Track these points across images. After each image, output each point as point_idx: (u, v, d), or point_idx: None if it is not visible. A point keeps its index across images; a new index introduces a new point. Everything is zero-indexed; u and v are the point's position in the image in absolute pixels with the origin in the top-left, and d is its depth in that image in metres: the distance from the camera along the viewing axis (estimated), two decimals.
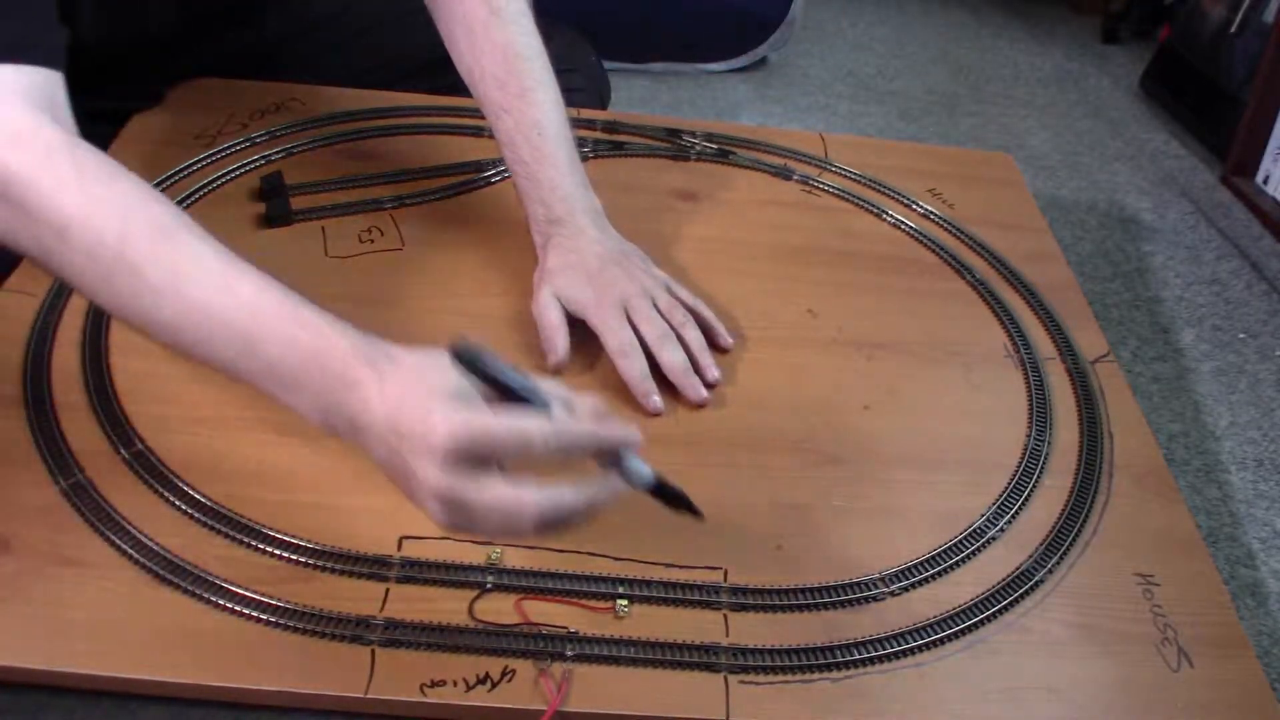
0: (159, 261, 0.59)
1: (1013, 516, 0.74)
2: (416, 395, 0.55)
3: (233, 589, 0.63)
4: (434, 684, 0.60)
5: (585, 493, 0.57)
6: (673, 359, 0.79)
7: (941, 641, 0.65)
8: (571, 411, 0.58)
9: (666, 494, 0.62)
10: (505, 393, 0.56)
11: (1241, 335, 1.14)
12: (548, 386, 0.59)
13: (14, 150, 0.60)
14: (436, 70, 1.11)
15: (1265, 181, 1.42)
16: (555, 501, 0.55)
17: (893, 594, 0.68)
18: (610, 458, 0.59)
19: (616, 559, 0.66)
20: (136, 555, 0.64)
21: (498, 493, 0.54)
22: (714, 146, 1.09)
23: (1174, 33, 1.65)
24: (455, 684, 0.60)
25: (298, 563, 0.65)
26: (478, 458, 0.54)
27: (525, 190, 0.86)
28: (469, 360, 0.55)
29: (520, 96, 0.85)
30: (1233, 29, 1.51)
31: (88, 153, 0.62)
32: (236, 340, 0.58)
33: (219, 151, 0.98)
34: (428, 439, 0.53)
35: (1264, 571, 0.84)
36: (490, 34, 0.85)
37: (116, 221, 0.59)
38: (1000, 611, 0.67)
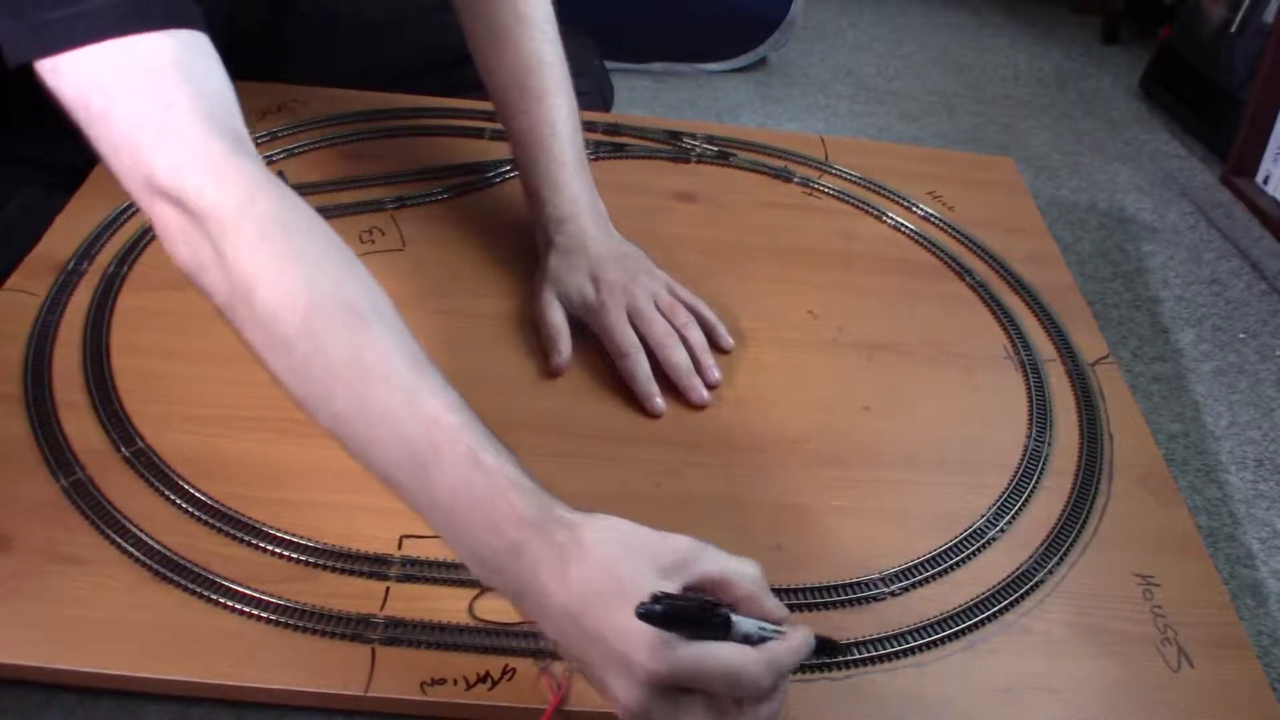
0: (346, 346, 0.54)
1: (1013, 517, 0.74)
2: (610, 600, 0.49)
3: (233, 587, 0.63)
4: (434, 682, 0.60)
5: (777, 703, 0.52)
6: (675, 359, 0.79)
7: (942, 641, 0.65)
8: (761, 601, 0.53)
9: (823, 648, 0.57)
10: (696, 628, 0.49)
11: (1241, 335, 1.14)
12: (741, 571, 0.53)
13: (214, 185, 0.57)
14: (437, 72, 1.12)
15: (1265, 181, 1.42)
16: (764, 716, 0.51)
17: (893, 594, 0.68)
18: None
19: None
20: (137, 553, 0.64)
21: (702, 717, 0.50)
22: (714, 148, 1.09)
23: (1174, 33, 1.65)
24: (456, 682, 0.60)
25: (298, 561, 0.65)
26: (681, 690, 0.49)
27: (532, 190, 0.86)
28: (664, 619, 0.47)
29: (538, 100, 0.86)
30: (1233, 29, 1.51)
31: (292, 201, 0.59)
32: (405, 460, 0.54)
33: None
34: (629, 664, 0.49)
35: (1264, 571, 0.84)
36: (515, 39, 0.86)
37: (312, 289, 0.55)
38: (1000, 612, 0.68)
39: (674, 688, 0.49)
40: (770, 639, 0.52)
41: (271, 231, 0.57)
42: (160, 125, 0.57)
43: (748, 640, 0.51)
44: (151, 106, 0.58)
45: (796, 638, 0.53)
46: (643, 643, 0.48)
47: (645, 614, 0.46)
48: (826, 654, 0.59)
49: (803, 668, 0.62)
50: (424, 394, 0.54)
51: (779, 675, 0.51)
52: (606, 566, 0.50)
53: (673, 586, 0.50)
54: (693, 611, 0.48)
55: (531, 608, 0.52)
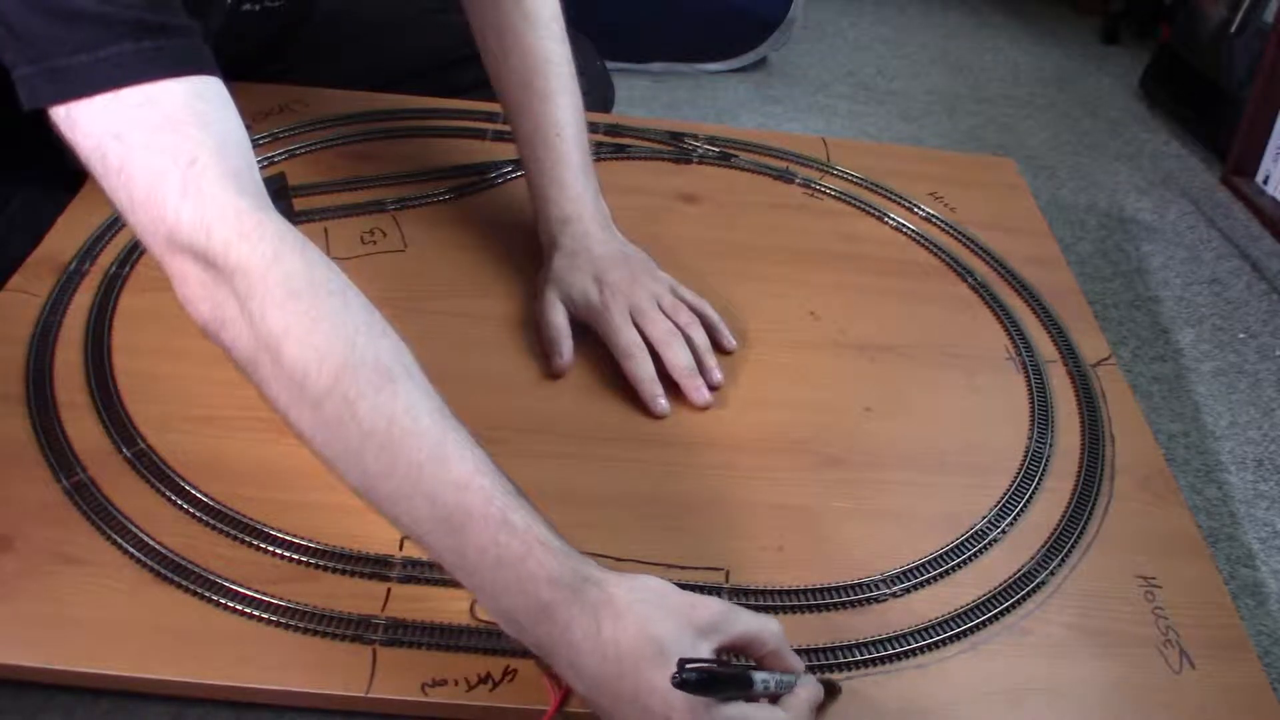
0: (375, 405, 0.55)
1: (1014, 518, 0.74)
2: (648, 662, 0.51)
3: (234, 588, 0.63)
4: (435, 683, 0.60)
5: None
6: (678, 359, 0.79)
7: (943, 643, 0.65)
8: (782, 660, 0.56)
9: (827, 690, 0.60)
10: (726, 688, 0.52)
11: (1241, 335, 1.14)
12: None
13: (242, 242, 0.57)
14: (439, 73, 1.12)
15: (1265, 181, 1.42)
16: None
17: (894, 595, 0.68)
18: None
19: (619, 559, 0.66)
20: (138, 554, 0.64)
21: None
22: (716, 149, 1.10)
23: (1174, 33, 1.65)
24: (457, 683, 0.60)
25: (299, 562, 0.65)
26: None
27: (537, 189, 0.86)
28: (699, 687, 0.50)
29: (543, 99, 0.86)
30: (1233, 29, 1.51)
31: (318, 257, 0.59)
32: (437, 520, 0.54)
33: None
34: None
35: (1264, 571, 0.84)
36: (521, 38, 0.86)
37: (342, 347, 0.55)
38: (1002, 613, 0.68)
39: None
40: (783, 690, 0.55)
41: (299, 289, 0.57)
42: (184, 181, 0.57)
43: (765, 688, 0.54)
44: (173, 161, 0.57)
45: (810, 688, 0.56)
46: (683, 706, 0.50)
47: (683, 683, 0.48)
48: (829, 693, 0.61)
49: (806, 668, 0.62)
50: (453, 455, 0.55)
51: None
52: (642, 627, 0.51)
53: (707, 648, 0.52)
54: (723, 676, 0.51)
55: (562, 665, 0.53)
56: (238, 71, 1.07)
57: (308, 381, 0.55)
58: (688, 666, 0.49)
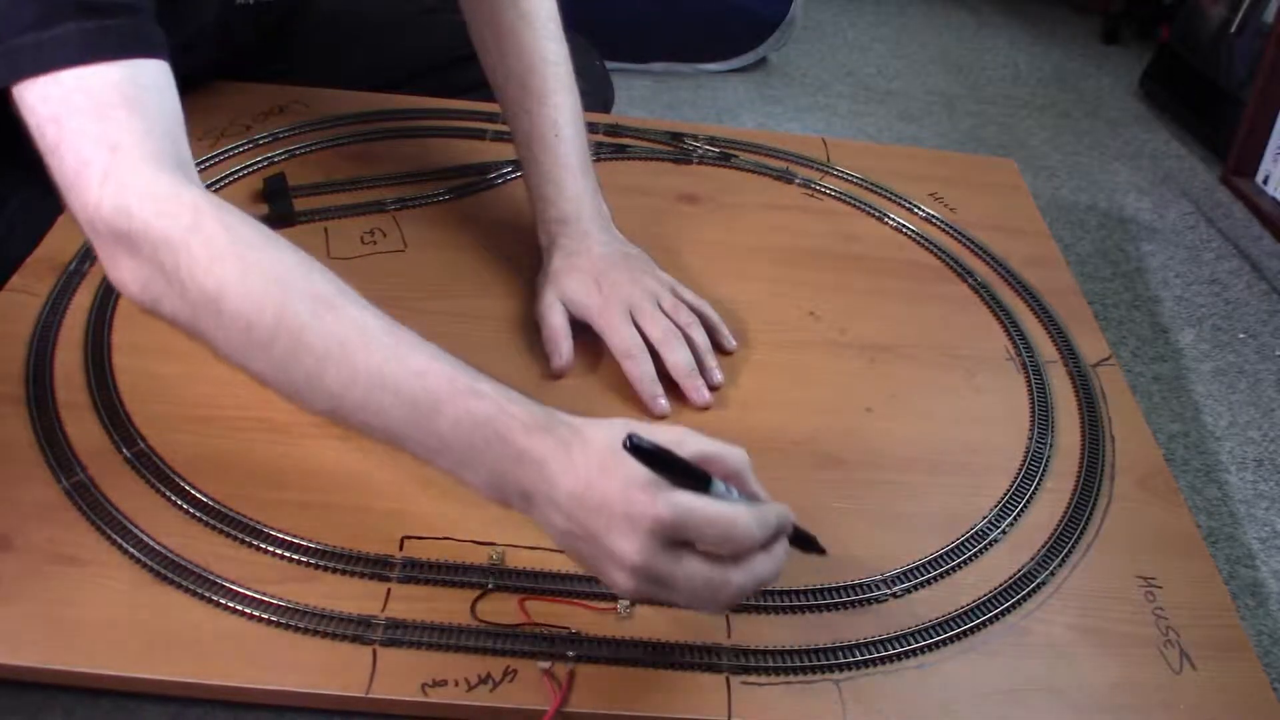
0: (323, 331, 0.58)
1: (1015, 519, 0.74)
2: (614, 472, 0.54)
3: (234, 588, 0.63)
4: (436, 684, 0.60)
5: (772, 561, 0.57)
6: (678, 359, 0.79)
7: (944, 643, 0.65)
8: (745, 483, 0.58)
9: (802, 539, 0.62)
10: (682, 477, 0.55)
11: (1241, 335, 1.14)
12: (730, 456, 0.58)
13: (160, 217, 0.59)
14: (439, 73, 1.12)
15: (1265, 181, 1.42)
16: (753, 575, 0.55)
17: (895, 595, 0.68)
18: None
19: None
20: (138, 554, 0.64)
21: (699, 571, 0.54)
22: (716, 150, 1.10)
23: (1174, 33, 1.65)
24: (457, 684, 0.60)
25: (299, 562, 0.65)
26: (679, 541, 0.53)
27: (535, 189, 0.86)
28: (648, 455, 0.53)
29: (541, 99, 0.86)
30: (1233, 29, 1.51)
31: (237, 216, 0.61)
32: (406, 410, 0.57)
33: (222, 153, 0.98)
34: (632, 518, 0.53)
35: (1264, 571, 0.84)
36: (517, 37, 0.86)
37: (277, 289, 0.58)
38: (1002, 613, 0.68)
39: (674, 541, 0.53)
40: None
41: (221, 249, 0.59)
42: (105, 169, 0.60)
43: (724, 493, 0.56)
44: (97, 147, 0.60)
45: (781, 507, 0.58)
46: (643, 492, 0.53)
47: (633, 447, 0.51)
48: (804, 545, 0.62)
49: (805, 669, 0.63)
50: (407, 351, 0.58)
51: (768, 531, 0.55)
52: (609, 445, 0.54)
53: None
54: (675, 457, 0.53)
55: (541, 503, 0.56)
56: (238, 70, 1.08)
57: (252, 329, 0.58)
58: (635, 437, 0.51)
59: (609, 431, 0.55)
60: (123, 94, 0.61)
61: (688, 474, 0.54)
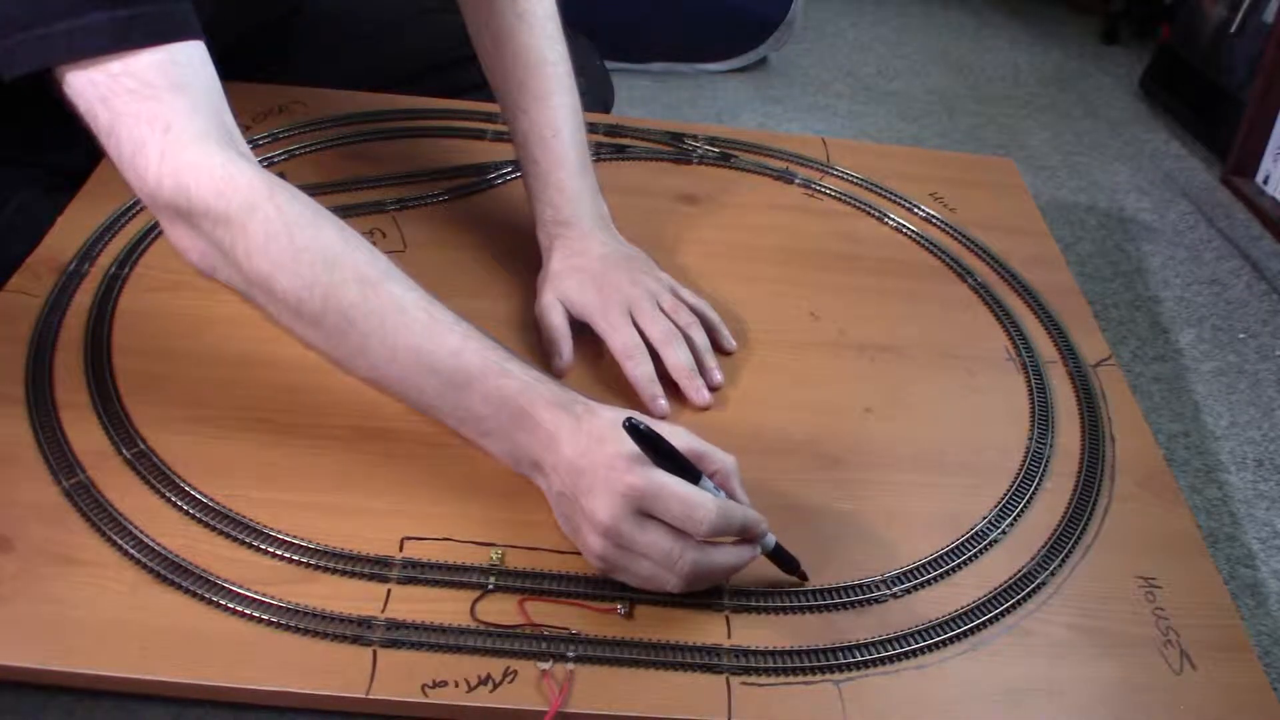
0: (366, 309, 0.64)
1: (1015, 519, 0.74)
2: (608, 443, 0.61)
3: (234, 589, 0.63)
4: (435, 684, 0.60)
5: (733, 555, 0.63)
6: (677, 359, 0.79)
7: (944, 643, 0.65)
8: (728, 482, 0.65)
9: (782, 558, 0.66)
10: (669, 462, 0.61)
11: (1241, 335, 1.14)
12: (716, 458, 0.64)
13: (219, 197, 0.63)
14: (439, 73, 1.12)
15: (1265, 181, 1.42)
16: (709, 558, 0.62)
17: (895, 596, 0.68)
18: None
19: None
20: (138, 555, 0.64)
21: (659, 540, 0.60)
22: (716, 150, 1.09)
23: (1174, 33, 1.65)
24: (457, 685, 0.60)
25: (299, 563, 0.65)
26: (647, 512, 0.60)
27: (534, 191, 0.86)
28: (642, 436, 0.59)
29: (539, 99, 0.86)
30: (1233, 29, 1.51)
31: (288, 195, 0.65)
32: (442, 386, 0.64)
33: None
34: (610, 481, 0.60)
35: (1264, 571, 0.84)
36: (515, 37, 0.86)
37: (325, 271, 0.64)
38: (1002, 614, 0.67)
39: (642, 511, 0.60)
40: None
41: (276, 231, 0.64)
42: (162, 149, 0.64)
43: (709, 489, 0.62)
44: (151, 128, 0.64)
45: (754, 512, 0.64)
46: (624, 461, 0.60)
47: (631, 425, 0.59)
48: (783, 564, 0.67)
49: (805, 669, 0.63)
50: (443, 330, 0.64)
51: (730, 524, 0.61)
52: (611, 422, 0.62)
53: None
54: (667, 445, 0.60)
55: (547, 469, 0.64)
56: (237, 70, 1.07)
57: (303, 307, 0.64)
58: (635, 418, 0.59)
59: (617, 414, 0.62)
60: (165, 76, 0.65)
61: (676, 462, 0.60)
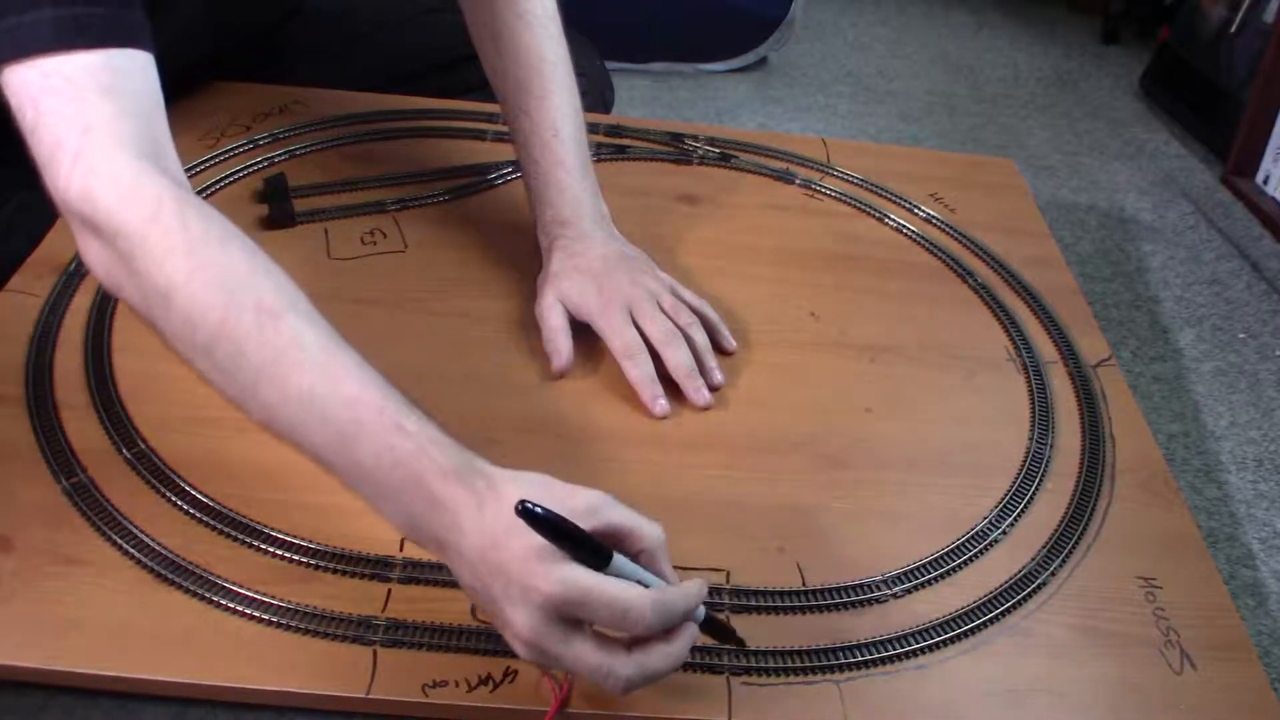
0: (262, 342, 0.57)
1: (1015, 519, 0.74)
2: (515, 535, 0.52)
3: (234, 589, 0.63)
4: (436, 684, 0.60)
5: (676, 650, 0.55)
6: (678, 359, 0.79)
7: (944, 644, 0.65)
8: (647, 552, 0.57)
9: (714, 628, 0.61)
10: (580, 549, 0.53)
11: (1241, 335, 1.14)
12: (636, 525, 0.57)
13: (122, 206, 0.59)
14: (439, 73, 1.12)
15: (1265, 181, 1.42)
16: (645, 670, 0.54)
17: (895, 596, 0.68)
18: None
19: None
20: (138, 555, 0.64)
21: (587, 656, 0.53)
22: (716, 150, 1.09)
23: (1174, 33, 1.65)
24: (457, 684, 0.60)
25: (300, 563, 0.65)
26: (572, 617, 0.53)
27: (535, 191, 0.86)
28: (539, 521, 0.51)
29: (539, 100, 0.85)
30: (1233, 29, 1.51)
31: (197, 211, 0.60)
32: (332, 436, 0.57)
33: (222, 153, 0.98)
34: (527, 591, 0.52)
35: (1264, 572, 0.84)
36: (515, 37, 0.86)
37: (222, 294, 0.58)
38: (1003, 614, 0.67)
39: (567, 618, 0.52)
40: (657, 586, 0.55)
41: (174, 245, 0.59)
42: (76, 151, 0.60)
43: (626, 573, 0.54)
44: (70, 130, 0.60)
45: (689, 586, 0.56)
46: (540, 565, 0.52)
47: (524, 510, 0.50)
48: (719, 636, 0.61)
49: (805, 669, 0.63)
50: (341, 375, 0.57)
51: (667, 617, 0.54)
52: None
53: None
54: (570, 528, 0.52)
55: (451, 555, 0.55)
56: (237, 70, 1.08)
57: (196, 332, 0.58)
58: (528, 502, 0.50)
59: (521, 489, 0.54)
60: (98, 80, 0.61)
61: (586, 546, 0.52)
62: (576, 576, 0.52)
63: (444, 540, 0.55)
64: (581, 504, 0.54)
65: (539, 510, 0.50)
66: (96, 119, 0.60)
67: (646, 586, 0.55)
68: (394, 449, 0.55)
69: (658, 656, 0.55)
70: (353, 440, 0.56)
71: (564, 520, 0.52)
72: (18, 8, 0.60)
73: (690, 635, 0.56)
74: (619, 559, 0.54)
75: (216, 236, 0.60)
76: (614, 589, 0.52)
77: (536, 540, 0.52)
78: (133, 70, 0.63)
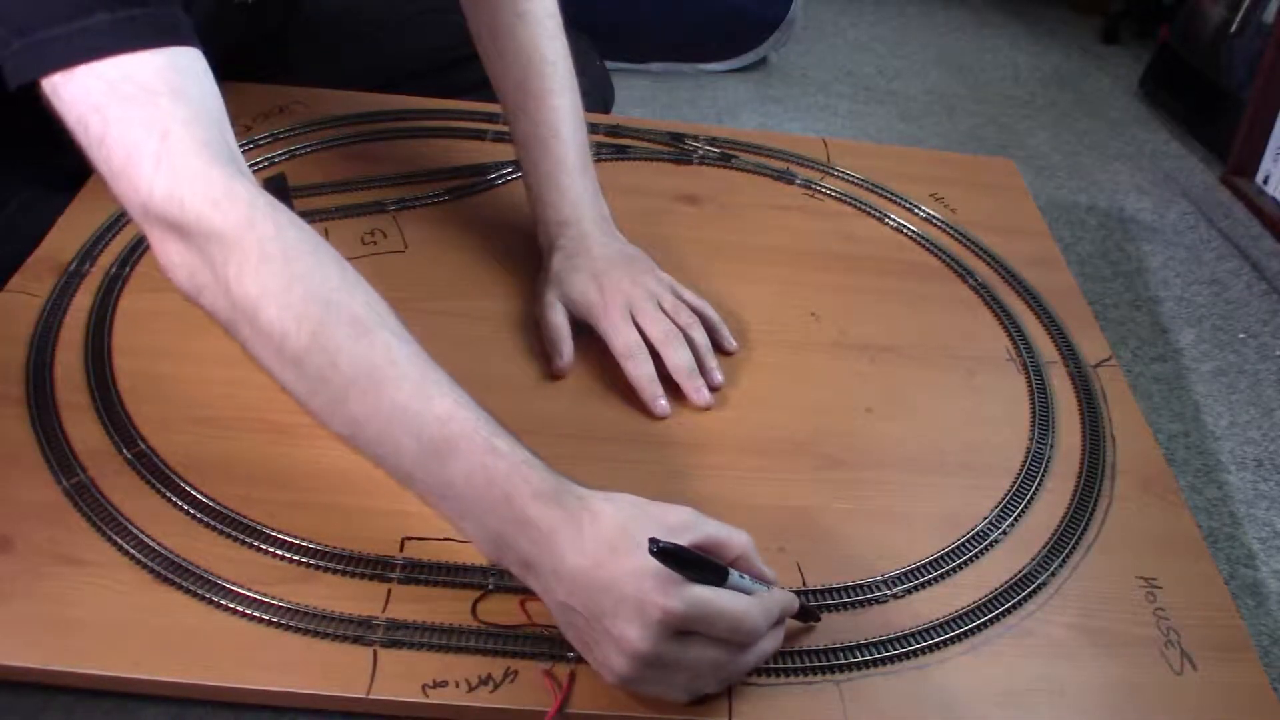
0: (356, 355, 0.57)
1: (1015, 519, 0.74)
2: (623, 555, 0.54)
3: (234, 589, 0.63)
4: (436, 684, 0.60)
5: (773, 642, 0.60)
6: (678, 359, 0.79)
7: (944, 644, 0.65)
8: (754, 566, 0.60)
9: (803, 613, 0.64)
10: (697, 571, 0.55)
11: (1241, 335, 1.14)
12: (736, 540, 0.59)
13: (215, 210, 0.59)
14: (439, 73, 1.12)
15: (1265, 181, 1.42)
16: (761, 655, 0.59)
17: (895, 596, 0.68)
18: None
19: None
20: (138, 555, 0.64)
21: (708, 654, 0.56)
22: (716, 150, 1.09)
23: (1174, 33, 1.65)
24: (458, 684, 0.60)
25: (300, 563, 0.65)
26: (687, 630, 0.55)
27: (535, 191, 0.86)
28: (670, 557, 0.53)
29: (539, 100, 0.85)
30: (1233, 29, 1.51)
31: (289, 219, 0.61)
32: (423, 452, 0.57)
33: None
34: (643, 606, 0.53)
35: (1264, 571, 0.84)
36: (514, 36, 0.86)
37: (318, 305, 0.58)
38: (1003, 614, 0.68)
39: (681, 630, 0.54)
40: (759, 592, 0.59)
41: (271, 253, 0.59)
42: (157, 154, 0.59)
43: (740, 582, 0.57)
44: (147, 134, 0.59)
45: (785, 595, 0.61)
46: (656, 583, 0.53)
47: (659, 550, 0.52)
48: (805, 618, 0.65)
49: (805, 669, 0.63)
50: (434, 392, 0.58)
51: (773, 620, 0.59)
52: (618, 525, 0.55)
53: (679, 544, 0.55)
54: (697, 557, 0.54)
55: (544, 574, 0.56)
56: (237, 70, 1.07)
57: (286, 341, 0.58)
58: (661, 542, 0.52)
59: (618, 509, 0.56)
60: (166, 81, 0.60)
61: (704, 569, 0.55)
62: (694, 593, 0.54)
63: (533, 560, 0.56)
64: (677, 521, 0.56)
65: (669, 546, 0.52)
66: (174, 123, 0.60)
67: (746, 589, 0.57)
68: (487, 468, 0.56)
69: (766, 644, 0.59)
70: (445, 457, 0.56)
71: (691, 552, 0.54)
72: (68, 14, 0.59)
73: (783, 626, 0.61)
74: (731, 573, 0.56)
75: (309, 247, 0.60)
76: (730, 603, 0.55)
77: (645, 559, 0.53)
78: (196, 71, 0.63)
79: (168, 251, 0.61)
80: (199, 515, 0.67)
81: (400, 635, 0.61)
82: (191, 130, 0.60)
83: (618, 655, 0.55)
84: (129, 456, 0.70)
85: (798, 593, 0.67)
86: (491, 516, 0.56)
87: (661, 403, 0.78)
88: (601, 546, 0.54)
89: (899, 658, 0.64)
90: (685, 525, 0.56)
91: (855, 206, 1.05)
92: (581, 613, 0.55)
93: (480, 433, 0.57)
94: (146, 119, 0.59)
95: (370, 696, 0.59)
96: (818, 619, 0.65)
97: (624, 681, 0.56)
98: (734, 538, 0.58)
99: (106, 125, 0.59)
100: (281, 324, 0.57)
